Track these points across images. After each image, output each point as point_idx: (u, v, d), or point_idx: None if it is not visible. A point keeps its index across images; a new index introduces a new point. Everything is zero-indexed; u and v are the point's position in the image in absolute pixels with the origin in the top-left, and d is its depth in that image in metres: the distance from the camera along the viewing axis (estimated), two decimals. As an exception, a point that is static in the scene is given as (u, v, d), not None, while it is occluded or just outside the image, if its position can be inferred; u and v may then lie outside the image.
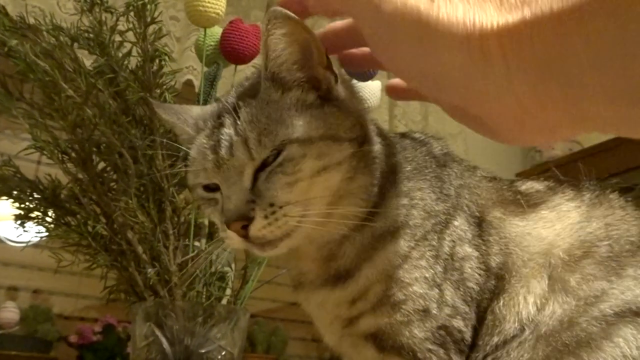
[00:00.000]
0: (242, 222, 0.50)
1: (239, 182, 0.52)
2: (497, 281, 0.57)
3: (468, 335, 0.57)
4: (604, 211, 0.60)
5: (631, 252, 0.56)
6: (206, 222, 0.92)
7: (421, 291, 0.56)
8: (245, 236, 0.51)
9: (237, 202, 0.51)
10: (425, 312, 0.56)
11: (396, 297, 0.56)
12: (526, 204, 0.61)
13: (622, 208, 0.62)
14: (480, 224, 0.60)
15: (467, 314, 0.57)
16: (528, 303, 0.55)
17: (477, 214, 0.61)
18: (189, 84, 1.89)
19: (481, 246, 0.59)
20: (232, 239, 0.52)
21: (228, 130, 0.52)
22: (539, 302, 0.55)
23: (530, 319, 0.55)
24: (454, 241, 0.58)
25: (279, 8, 0.47)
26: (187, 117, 0.60)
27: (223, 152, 0.52)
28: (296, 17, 0.48)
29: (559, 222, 0.58)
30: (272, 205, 0.50)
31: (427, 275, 0.56)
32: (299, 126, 0.52)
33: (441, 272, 0.57)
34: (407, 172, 0.60)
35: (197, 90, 1.82)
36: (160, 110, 0.63)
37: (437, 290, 0.57)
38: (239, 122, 0.52)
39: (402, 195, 0.59)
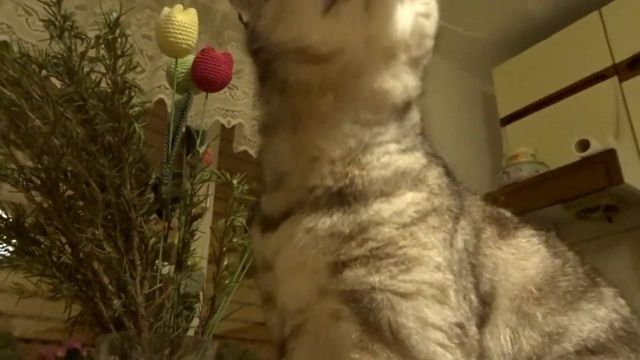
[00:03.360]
0: None
1: None
2: (485, 307, 0.56)
3: (477, 347, 0.51)
4: (558, 250, 0.64)
5: (583, 288, 0.59)
6: (175, 248, 0.92)
7: (439, 260, 0.49)
8: None
9: None
10: (443, 292, 0.48)
11: (410, 252, 0.49)
12: (510, 225, 0.63)
13: (568, 251, 0.66)
14: (478, 237, 0.59)
15: (475, 325, 0.52)
16: (506, 337, 0.55)
17: (475, 225, 0.60)
18: (161, 102, 1.87)
19: (475, 269, 0.56)
20: None
21: None
22: (512, 336, 0.56)
23: (505, 354, 0.55)
24: (466, 242, 0.55)
25: None
26: None
27: None
28: None
29: (534, 255, 0.61)
30: None
31: (445, 252, 0.50)
32: None
33: (457, 261, 0.52)
34: (426, 147, 0.60)
35: (168, 109, 1.81)
36: None
37: (452, 279, 0.50)
38: None
39: (423, 155, 0.58)
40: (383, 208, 0.51)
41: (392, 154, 0.55)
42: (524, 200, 2.47)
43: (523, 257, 0.60)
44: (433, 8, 0.57)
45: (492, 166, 2.91)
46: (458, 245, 0.54)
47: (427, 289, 0.48)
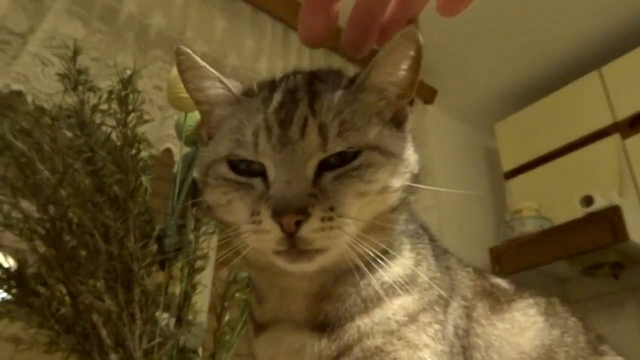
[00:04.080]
0: (299, 216, 0.42)
1: (301, 170, 0.45)
2: None
3: None
4: (557, 319, 0.62)
5: (583, 359, 0.58)
6: (176, 301, 0.91)
7: None
8: (291, 234, 0.43)
9: (298, 191, 0.43)
10: None
11: (400, 356, 0.48)
12: (503, 299, 0.61)
13: (569, 318, 0.64)
14: (469, 316, 0.57)
15: None
16: None
17: (466, 304, 0.58)
18: (168, 150, 1.90)
19: (466, 351, 0.55)
20: (270, 234, 0.44)
21: (304, 109, 0.47)
22: None
23: None
24: (456, 327, 0.54)
25: (419, 34, 0.46)
26: (224, 80, 0.54)
27: (294, 130, 0.46)
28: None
29: (529, 329, 0.59)
30: (332, 209, 0.44)
31: (436, 348, 0.49)
32: (385, 136, 0.49)
33: (448, 353, 0.51)
34: (411, 230, 0.57)
35: (175, 158, 1.83)
36: (192, 60, 0.52)
37: None
38: (318, 104, 0.47)
39: (410, 249, 0.55)
40: (363, 324, 0.50)
41: (374, 271, 0.51)
42: (529, 255, 2.45)
43: (517, 332, 0.57)
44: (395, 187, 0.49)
45: (496, 220, 2.90)
46: (449, 334, 0.53)
47: None
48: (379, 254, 0.48)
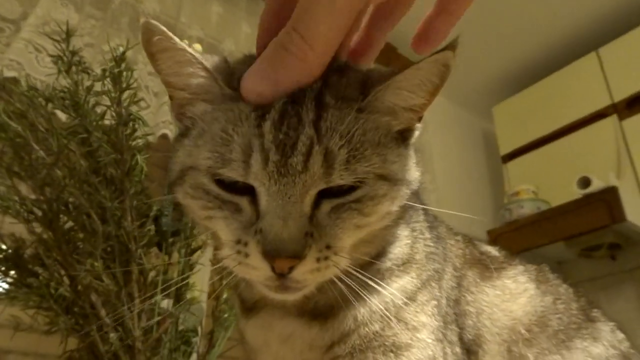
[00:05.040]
0: (294, 261, 0.39)
1: (299, 205, 0.39)
2: (470, 355, 0.54)
3: None
4: (549, 287, 0.62)
5: (577, 325, 0.58)
6: (174, 281, 0.91)
7: (429, 340, 0.48)
8: (283, 274, 0.40)
9: (294, 231, 0.39)
10: None
11: (399, 339, 0.47)
12: (493, 266, 0.61)
13: (561, 285, 0.65)
14: (459, 285, 0.57)
15: None
16: None
17: (456, 273, 0.58)
18: (164, 137, 1.89)
19: (458, 318, 0.55)
20: (259, 270, 0.40)
21: (310, 131, 0.39)
22: None
23: None
24: (448, 299, 0.54)
25: (453, 61, 0.41)
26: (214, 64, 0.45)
27: (296, 159, 0.39)
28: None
29: (521, 295, 0.59)
30: (328, 247, 0.40)
31: (432, 325, 0.49)
32: (391, 160, 0.44)
33: (443, 326, 0.51)
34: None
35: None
36: (169, 41, 0.43)
37: (440, 346, 0.49)
38: (325, 123, 0.40)
39: (405, 227, 0.53)
40: (359, 313, 0.48)
41: (368, 267, 0.48)
42: (526, 237, 2.46)
43: (509, 298, 0.58)
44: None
45: (494, 203, 2.91)
46: (443, 306, 0.52)
47: None
48: (368, 260, 0.47)
